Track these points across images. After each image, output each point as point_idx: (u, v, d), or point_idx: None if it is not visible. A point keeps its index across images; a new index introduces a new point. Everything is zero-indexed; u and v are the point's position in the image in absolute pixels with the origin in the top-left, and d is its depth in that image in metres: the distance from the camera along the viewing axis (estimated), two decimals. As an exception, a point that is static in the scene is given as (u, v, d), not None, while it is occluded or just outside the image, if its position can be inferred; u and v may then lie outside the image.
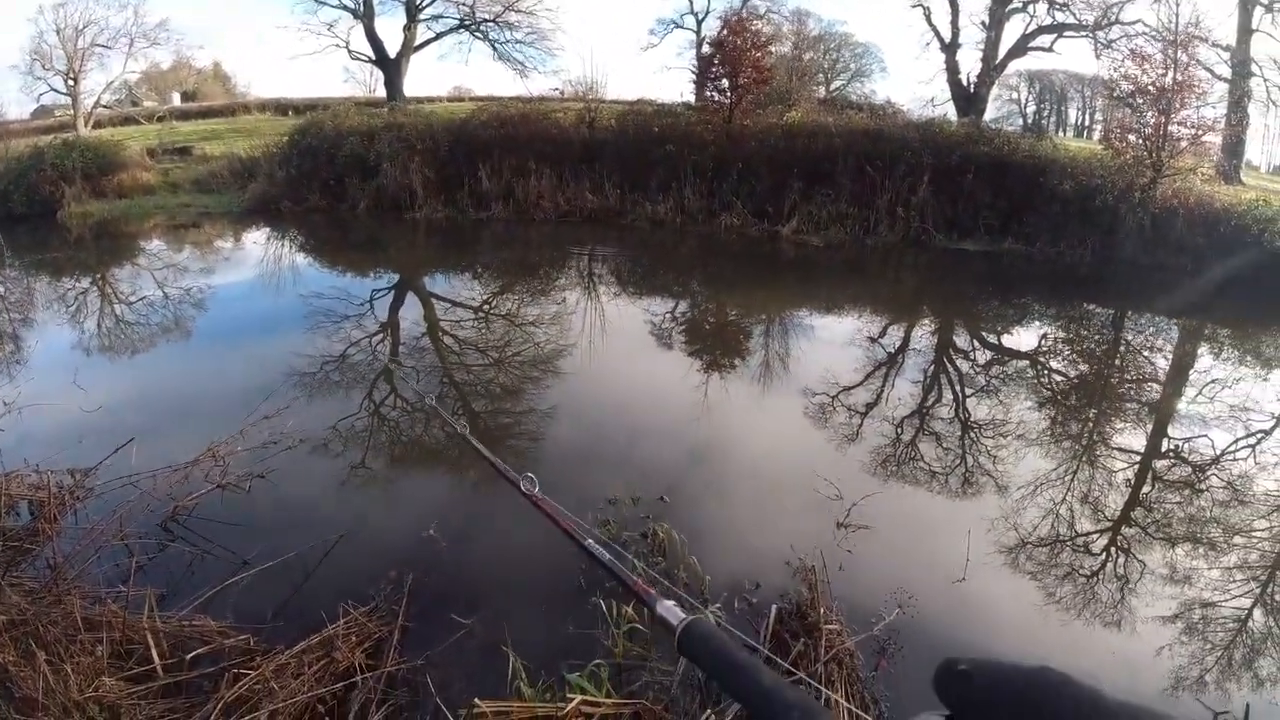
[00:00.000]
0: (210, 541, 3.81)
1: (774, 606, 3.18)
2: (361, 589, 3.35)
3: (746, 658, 0.62)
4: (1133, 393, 7.33)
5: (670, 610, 0.74)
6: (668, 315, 9.26)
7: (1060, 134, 27.40)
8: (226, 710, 2.57)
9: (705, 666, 0.66)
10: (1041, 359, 8.01)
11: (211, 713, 2.53)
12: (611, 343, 7.83)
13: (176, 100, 32.81)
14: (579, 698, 2.57)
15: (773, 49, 18.85)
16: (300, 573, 3.53)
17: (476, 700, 2.49)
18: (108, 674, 2.66)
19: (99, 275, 11.12)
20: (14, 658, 2.63)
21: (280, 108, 27.78)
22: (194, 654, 2.87)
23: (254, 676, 2.69)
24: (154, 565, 3.61)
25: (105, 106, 26.58)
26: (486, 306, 9.40)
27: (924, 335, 9.02)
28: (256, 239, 14.39)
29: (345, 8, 23.46)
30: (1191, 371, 8.03)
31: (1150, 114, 13.74)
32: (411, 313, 9.17)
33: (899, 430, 5.70)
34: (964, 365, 7.66)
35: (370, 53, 24.19)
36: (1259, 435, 6.07)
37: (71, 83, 24.42)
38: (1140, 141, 13.69)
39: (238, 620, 3.11)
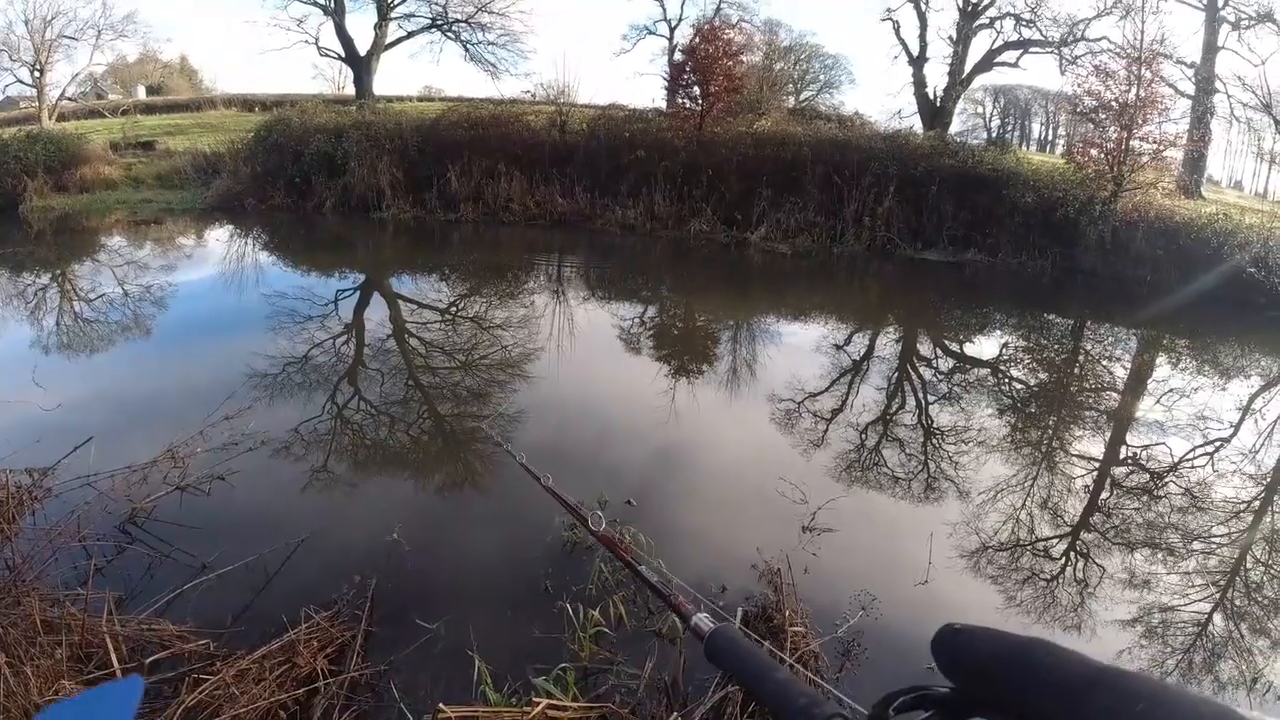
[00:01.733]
0: (169, 544, 3.73)
1: (740, 609, 3.20)
2: (324, 593, 3.31)
3: (763, 657, 0.69)
4: (1092, 401, 7.52)
5: (703, 620, 0.82)
6: (636, 320, 9.29)
7: (1024, 148, 28.04)
8: (187, 715, 2.52)
9: (727, 667, 0.72)
10: (1003, 367, 8.18)
11: (172, 718, 2.49)
12: (580, 347, 7.83)
13: (141, 94, 32.06)
14: (545, 702, 2.57)
15: (744, 58, 19.04)
16: (262, 576, 3.48)
17: (441, 705, 2.48)
18: (67, 677, 2.60)
19: (59, 271, 10.82)
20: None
21: (246, 104, 27.31)
22: (153, 658, 2.82)
23: (214, 681, 2.64)
24: (113, 568, 3.54)
25: (70, 99, 25.95)
26: (454, 309, 9.34)
27: (888, 343, 9.17)
28: (219, 236, 14.11)
29: (316, 4, 23.18)
30: (1150, 380, 8.25)
31: (1113, 129, 14.13)
32: (377, 314, 9.06)
33: (863, 436, 5.79)
34: (927, 373, 7.80)
35: (340, 50, 23.92)
36: (1217, 443, 6.26)
37: (38, 74, 23.80)
38: (1102, 156, 14.07)
39: (198, 624, 3.05)
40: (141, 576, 3.48)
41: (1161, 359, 9.45)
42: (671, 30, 26.49)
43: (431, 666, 2.96)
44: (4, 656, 2.53)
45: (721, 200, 14.89)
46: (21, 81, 24.44)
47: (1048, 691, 0.34)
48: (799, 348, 8.31)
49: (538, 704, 2.55)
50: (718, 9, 24.99)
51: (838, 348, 8.39)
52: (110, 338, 7.64)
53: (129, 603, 3.20)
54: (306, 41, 23.90)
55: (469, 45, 24.80)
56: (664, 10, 26.75)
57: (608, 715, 2.64)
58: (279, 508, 4.23)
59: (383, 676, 2.89)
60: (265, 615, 3.15)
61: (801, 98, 28.28)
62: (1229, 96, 18.90)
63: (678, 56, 18.99)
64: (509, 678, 2.81)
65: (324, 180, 15.69)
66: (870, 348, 8.69)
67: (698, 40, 16.77)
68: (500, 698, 2.66)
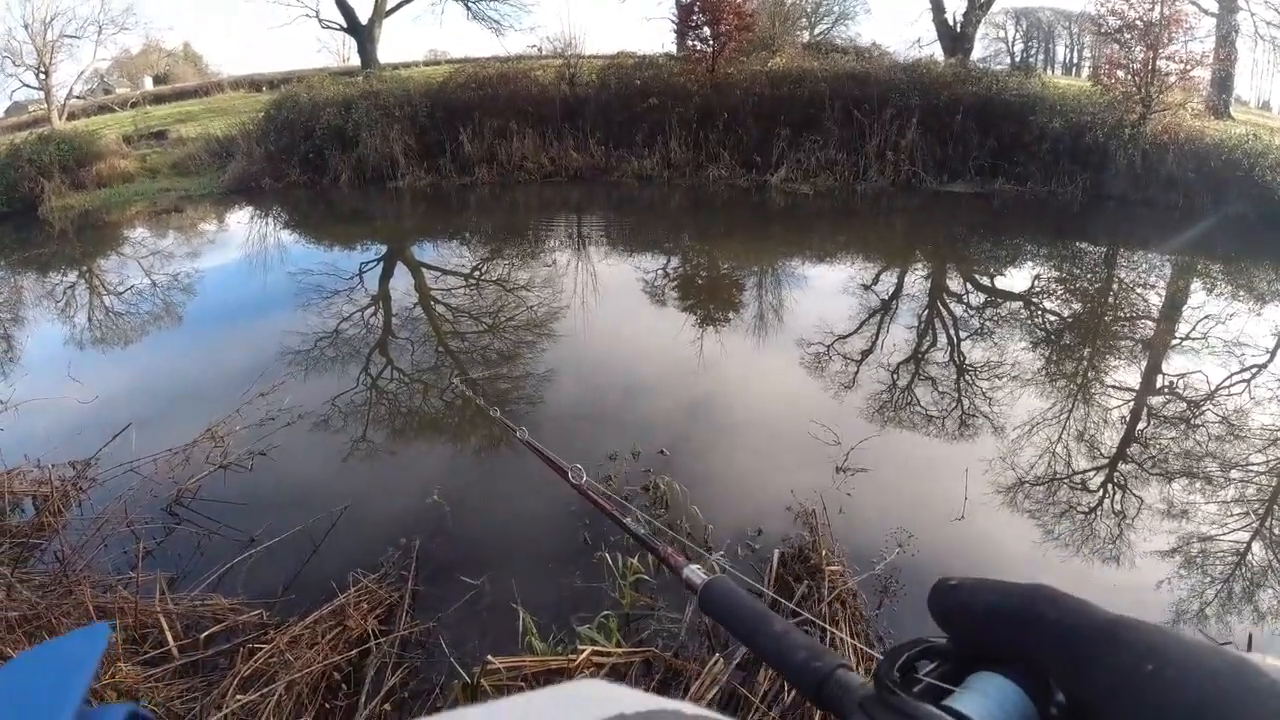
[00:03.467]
0: (216, 521, 3.84)
1: (776, 551, 3.22)
2: (370, 558, 3.39)
3: (759, 608, 0.66)
4: (1126, 330, 7.35)
5: (695, 573, 0.79)
6: (659, 272, 9.22)
7: (1048, 72, 26.96)
8: (243, 684, 2.61)
9: (722, 620, 0.70)
10: (1035, 299, 8.00)
11: (229, 688, 2.58)
12: (605, 302, 7.81)
13: (149, 84, 32.13)
14: (589, 649, 2.62)
15: (753, -6, 18.45)
16: (308, 546, 3.57)
17: (490, 657, 2.54)
18: (123, 659, 2.69)
19: (85, 268, 10.99)
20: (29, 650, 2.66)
21: (254, 84, 27.20)
22: (208, 633, 2.91)
23: (269, 650, 2.73)
24: (162, 550, 3.65)
25: (78, 97, 26.01)
26: (477, 273, 9.34)
27: (917, 280, 9.00)
28: (239, 219, 14.21)
29: (313, -26, 22.86)
30: (1185, 307, 8.02)
31: (1138, 49, 13.54)
32: (402, 283, 9.11)
33: (895, 375, 5.73)
34: (958, 309, 7.66)
35: (341, 20, 23.58)
36: (1254, 370, 6.08)
37: (43, 76, 23.89)
38: (1129, 77, 13.51)
39: (249, 596, 3.16)
40: (191, 555, 3.59)
41: (1196, 285, 9.17)
42: (678, -29, 25.74)
43: (478, 621, 3.03)
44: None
45: (739, 143, 14.59)
46: (27, 85, 24.54)
47: (1050, 645, 0.32)
48: (826, 290, 8.19)
49: (582, 651, 2.60)
50: (723, -54, 24.18)
51: (865, 288, 8.26)
52: (141, 328, 7.78)
53: (180, 582, 3.31)
54: (307, 15, 23.59)
55: (471, 3, 24.34)
56: (669, -49, 25.98)
57: (651, 659, 2.69)
58: (320, 478, 4.32)
59: (431, 633, 2.97)
60: (314, 583, 3.24)
61: (816, 32, 27.38)
62: (1252, 15, 18.02)
63: (685, -2, 18.49)
64: (554, 628, 2.86)
65: (338, 154, 15.64)
66: (899, 286, 8.54)
67: (705, -21, 16.27)
68: (546, 647, 2.72)
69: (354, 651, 2.82)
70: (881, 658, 0.39)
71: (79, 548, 3.48)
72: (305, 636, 2.82)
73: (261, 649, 2.74)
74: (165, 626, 2.88)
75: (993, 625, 0.35)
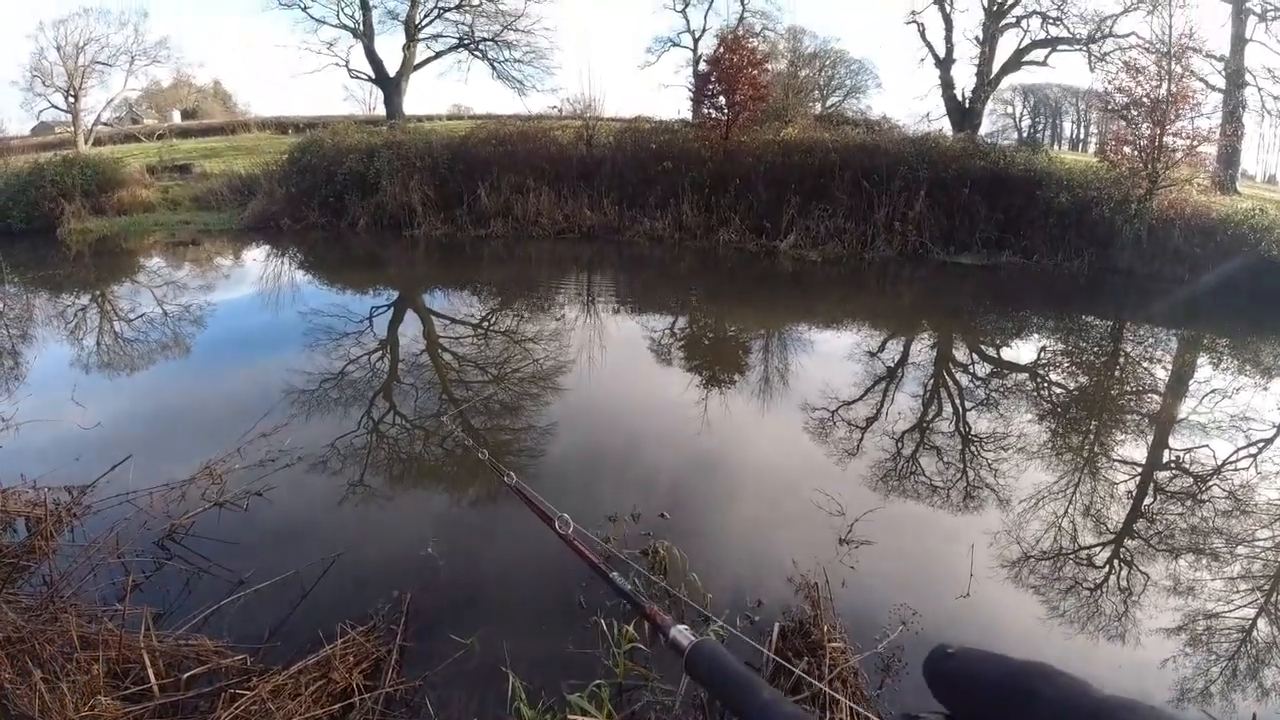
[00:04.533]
0: (207, 560, 3.78)
1: (777, 624, 3.14)
2: (359, 608, 3.32)
3: (748, 675, 0.63)
4: (1132, 404, 7.32)
5: (682, 633, 0.76)
6: (666, 331, 9.26)
7: (1056, 147, 27.60)
8: (224, 731, 2.53)
9: (709, 685, 0.67)
10: (1041, 371, 8.00)
11: (209, 733, 2.50)
12: (611, 359, 7.82)
13: (177, 118, 33.02)
14: (579, 718, 2.54)
15: (769, 66, 19.04)
16: (298, 592, 3.50)
17: (476, 722, 2.46)
18: (104, 693, 2.62)
19: (98, 292, 11.11)
20: (10, 675, 2.60)
21: (280, 126, 27.95)
22: (190, 674, 2.83)
23: (250, 697, 2.66)
24: (151, 584, 3.59)
25: (105, 124, 26.73)
26: (486, 323, 9.40)
27: (923, 349, 9.02)
28: (256, 256, 14.41)
29: (345, 27, 23.70)
30: (1191, 381, 8.03)
31: (1145, 125, 13.87)
32: (411, 329, 9.16)
33: (899, 445, 5.69)
34: (964, 379, 7.65)
35: (370, 71, 24.38)
36: (1260, 444, 6.05)
37: (72, 99, 24.53)
38: (1135, 153, 13.81)
39: (235, 640, 3.08)
40: (179, 592, 3.52)
41: (1202, 359, 9.19)
42: (695, 41, 26.63)
43: (466, 682, 2.95)
44: (40, 673, 2.56)
45: (750, 209, 14.85)
46: (55, 107, 25.19)
47: None
48: (832, 355, 8.21)
49: (572, 720, 2.51)
50: (740, 18, 25.03)
51: (871, 355, 8.27)
52: (149, 356, 7.81)
53: (166, 618, 3.24)
54: (337, 64, 24.44)
55: (496, 63, 25.16)
56: (688, 22, 26.91)
57: (643, 733, 2.60)
58: (315, 523, 4.26)
59: (418, 692, 2.88)
60: (301, 630, 3.17)
61: (828, 104, 28.17)
62: (1260, 90, 18.45)
63: (702, 67, 19.07)
64: (543, 694, 2.78)
65: (357, 199, 15.98)
66: (905, 354, 8.55)
67: (722, 50, 16.78)
68: (535, 714, 2.64)
69: (337, 706, 2.74)
70: None
71: (68, 574, 3.43)
72: (288, 687, 2.74)
73: (243, 696, 2.67)
74: (148, 663, 2.80)
75: (986, 698, 0.34)
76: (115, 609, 3.08)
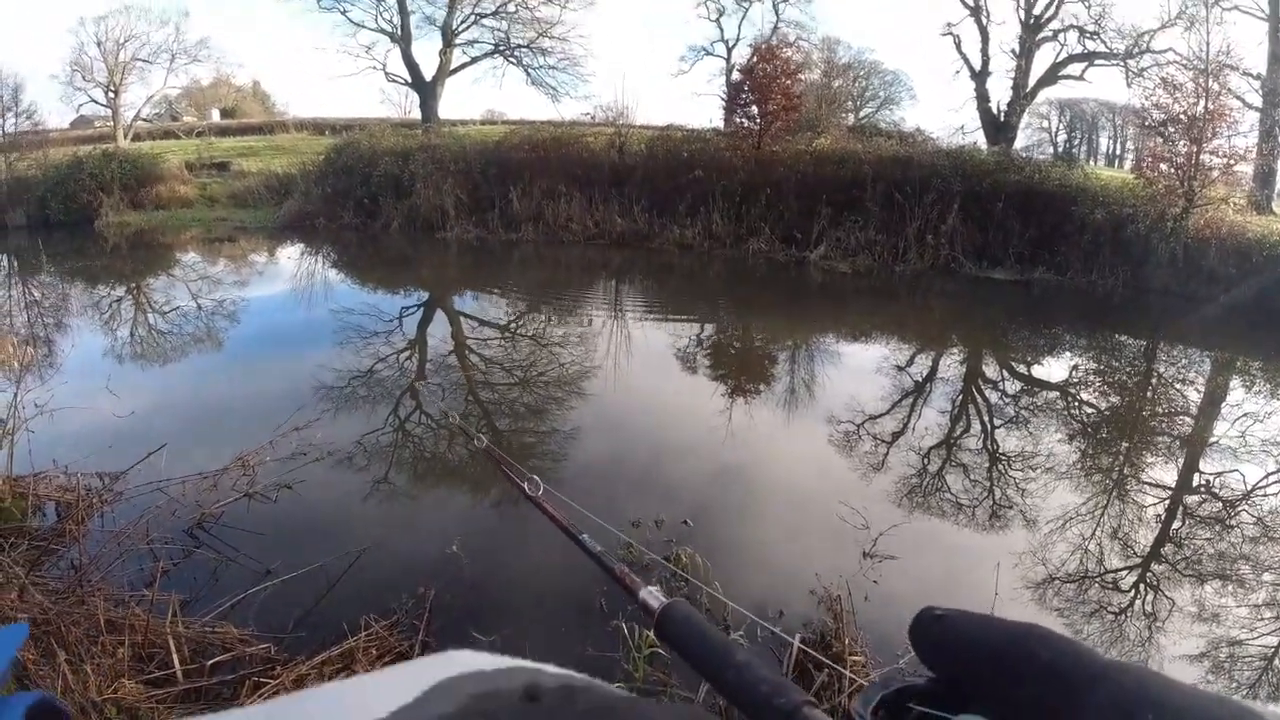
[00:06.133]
0: (235, 550, 3.84)
1: (798, 636, 3.12)
2: (384, 603, 3.35)
3: (722, 638, 0.61)
4: (1164, 425, 7.18)
5: (652, 594, 0.72)
6: (694, 339, 9.26)
7: (1091, 163, 27.12)
8: (246, 718, 2.56)
9: (681, 649, 0.64)
10: (1072, 390, 7.87)
11: (232, 720, 2.52)
12: (637, 365, 7.83)
13: (216, 116, 33.65)
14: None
15: (802, 76, 18.99)
16: (323, 584, 3.54)
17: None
18: (127, 676, 2.66)
19: (134, 284, 11.36)
20: (34, 656, 2.64)
21: (317, 127, 28.39)
22: (214, 660, 2.87)
23: (273, 686, 2.69)
24: (178, 571, 3.64)
25: (145, 120, 27.24)
26: (513, 326, 9.47)
27: (952, 364, 8.92)
28: (290, 254, 14.66)
29: (383, 31, 23.98)
30: (1224, 404, 7.86)
31: (1182, 143, 13.61)
32: (440, 330, 9.25)
33: (926, 460, 5.62)
34: (993, 395, 7.55)
35: (406, 75, 24.64)
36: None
37: (112, 95, 25.02)
38: (1172, 171, 13.56)
39: (259, 629, 3.12)
40: (207, 580, 3.58)
41: (1235, 381, 8.98)
42: (729, 51, 26.55)
43: (486, 681, 2.95)
44: (64, 654, 2.61)
45: (780, 219, 14.79)
46: (95, 102, 25.65)
47: (1040, 687, 0.29)
48: (859, 368, 8.14)
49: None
50: (775, 28, 24.96)
51: (899, 369, 8.19)
52: (183, 349, 7.97)
53: (193, 605, 3.28)
54: (374, 68, 24.72)
55: (530, 70, 25.30)
56: (721, 31, 26.85)
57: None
58: (343, 517, 4.31)
59: (437, 689, 2.89)
60: (326, 622, 3.20)
61: (861, 115, 27.95)
62: None
63: (735, 76, 19.08)
64: (562, 695, 2.77)
65: (391, 201, 16.19)
66: (933, 369, 8.46)
67: (756, 60, 16.78)
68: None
69: (359, 698, 2.75)
70: (854, 699, 0.36)
71: (96, 558, 3.48)
72: (311, 677, 2.77)
73: (266, 684, 2.70)
74: (173, 648, 2.84)
75: (977, 661, 0.33)
76: (142, 594, 3.13)
